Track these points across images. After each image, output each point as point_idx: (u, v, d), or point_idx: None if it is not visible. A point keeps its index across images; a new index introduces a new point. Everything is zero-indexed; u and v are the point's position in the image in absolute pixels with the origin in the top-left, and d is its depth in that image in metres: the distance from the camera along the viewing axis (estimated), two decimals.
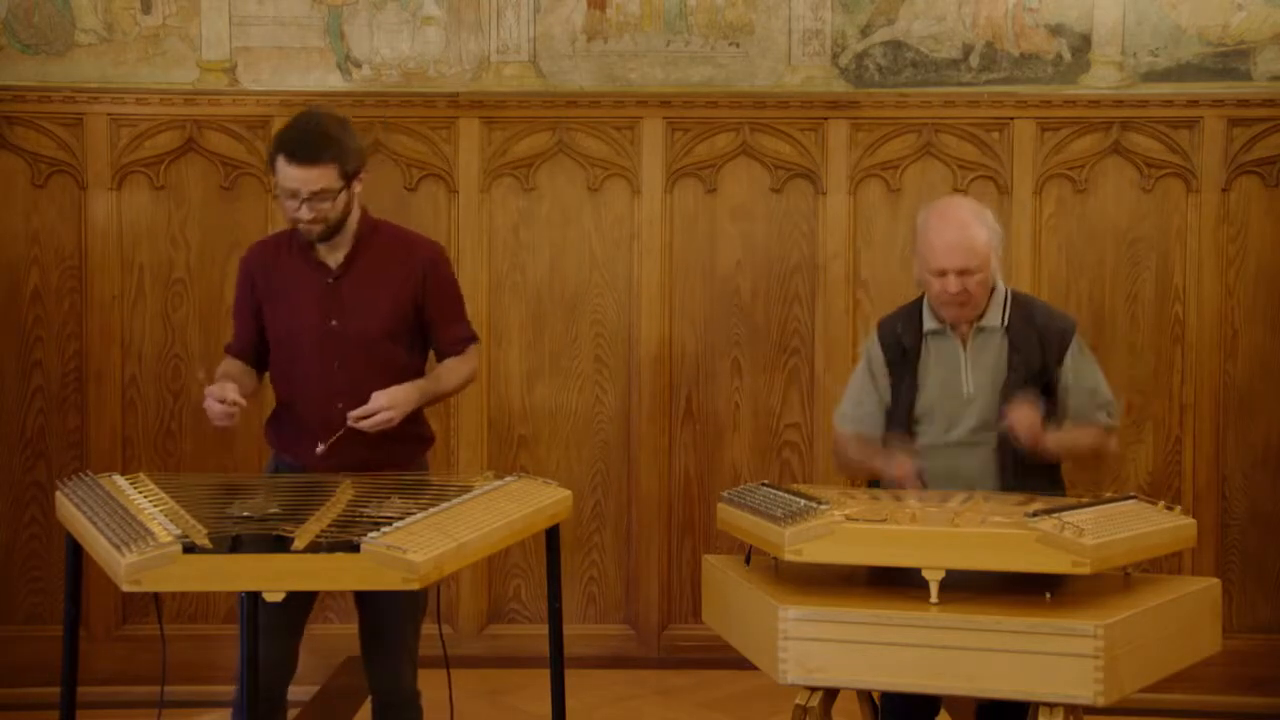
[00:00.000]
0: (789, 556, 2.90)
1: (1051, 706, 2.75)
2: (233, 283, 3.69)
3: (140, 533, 2.62)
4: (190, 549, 2.53)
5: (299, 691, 3.62)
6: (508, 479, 3.26)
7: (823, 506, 2.99)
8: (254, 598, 2.58)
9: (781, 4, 5.07)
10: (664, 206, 5.13)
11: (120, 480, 3.09)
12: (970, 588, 2.92)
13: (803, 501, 3.06)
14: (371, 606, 3.42)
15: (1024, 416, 3.31)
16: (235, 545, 2.64)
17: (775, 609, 2.86)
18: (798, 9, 5.07)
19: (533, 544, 4.86)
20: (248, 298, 3.51)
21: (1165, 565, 4.46)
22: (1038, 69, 5.06)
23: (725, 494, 3.37)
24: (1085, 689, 2.70)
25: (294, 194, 3.27)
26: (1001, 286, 3.50)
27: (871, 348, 3.58)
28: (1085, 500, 3.23)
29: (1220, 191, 5.06)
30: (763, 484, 3.39)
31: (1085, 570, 2.79)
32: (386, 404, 3.29)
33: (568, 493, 3.27)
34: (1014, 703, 2.84)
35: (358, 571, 2.55)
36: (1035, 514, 2.91)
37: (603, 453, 5.18)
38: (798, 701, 2.95)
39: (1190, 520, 3.21)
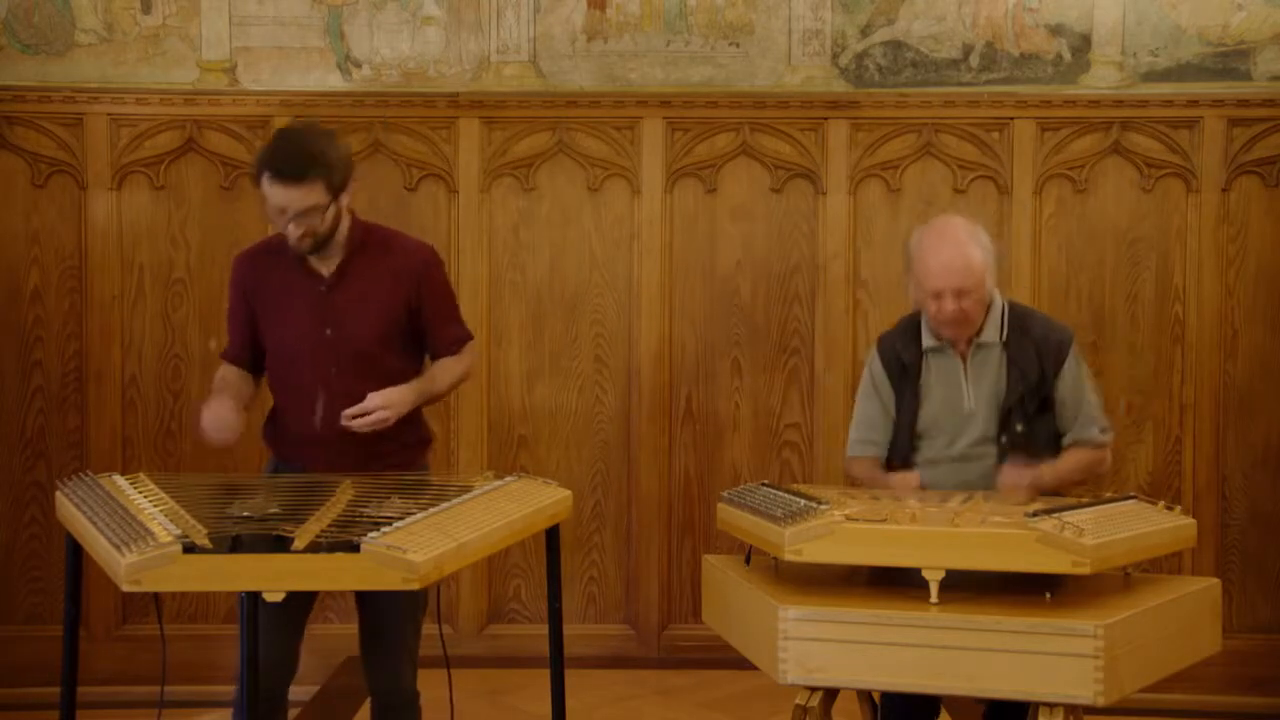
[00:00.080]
0: (789, 556, 2.90)
1: (1051, 706, 2.75)
2: None
3: (140, 533, 2.62)
4: (190, 549, 2.53)
5: (299, 691, 3.61)
6: (508, 479, 3.26)
7: (823, 506, 2.99)
8: (254, 598, 2.58)
9: (781, 4, 5.07)
10: (664, 206, 5.13)
11: (120, 480, 3.09)
12: (970, 588, 2.92)
13: (803, 501, 3.06)
14: (371, 606, 3.42)
15: (1016, 480, 3.33)
16: (235, 545, 2.64)
17: (775, 609, 2.86)
18: (798, 9, 5.07)
19: (533, 544, 4.86)
20: (241, 307, 3.50)
21: (1165, 565, 4.45)
22: (1038, 69, 5.06)
23: (725, 494, 3.37)
24: (1085, 689, 2.70)
25: (281, 211, 3.25)
26: (999, 300, 3.50)
27: (873, 364, 3.59)
28: (1085, 500, 3.24)
29: (1220, 191, 5.06)
30: (763, 484, 3.39)
31: (1085, 570, 2.79)
32: (381, 404, 3.28)
33: (568, 493, 3.27)
34: (1021, 703, 2.84)
35: (358, 571, 2.55)
36: (1035, 514, 2.92)
37: (603, 453, 5.18)
38: (798, 701, 2.96)
39: (1190, 520, 3.21)
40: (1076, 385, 3.48)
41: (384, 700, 3.48)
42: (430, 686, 3.50)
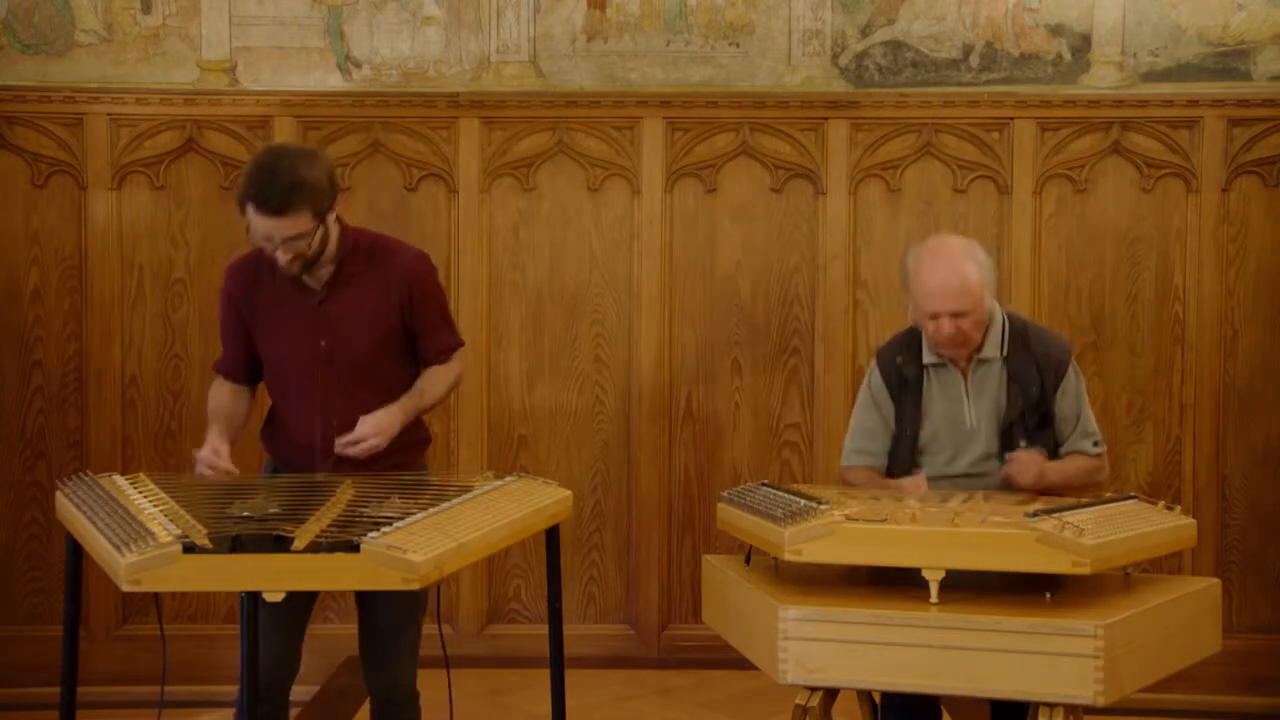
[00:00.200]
0: (789, 556, 2.90)
1: (1051, 706, 2.75)
2: None
3: (140, 533, 2.62)
4: (190, 549, 2.53)
5: (299, 691, 3.61)
6: (508, 479, 3.25)
7: (823, 506, 2.99)
8: (254, 598, 2.58)
9: (781, 4, 5.07)
10: (664, 206, 5.13)
11: (120, 480, 3.09)
12: (970, 588, 2.92)
13: (803, 501, 3.06)
14: (371, 606, 3.42)
15: (1027, 467, 3.34)
16: (235, 545, 2.64)
17: (775, 609, 2.86)
18: (798, 9, 5.07)
19: (533, 544, 4.87)
20: (233, 317, 3.47)
21: (1165, 565, 4.46)
22: (1038, 69, 5.06)
23: (725, 494, 3.37)
24: (1085, 689, 2.70)
25: (268, 239, 3.24)
26: (999, 315, 3.49)
27: (872, 376, 3.57)
28: (1085, 500, 3.24)
29: (1220, 191, 5.06)
30: (763, 484, 3.39)
31: (1085, 570, 2.79)
32: (373, 431, 3.27)
33: (568, 493, 3.27)
34: (1022, 703, 2.84)
35: (358, 571, 2.55)
36: (1035, 514, 2.91)
37: (603, 453, 5.18)
38: (798, 701, 2.95)
39: (1190, 520, 3.21)
40: (1076, 400, 3.48)
41: (384, 700, 3.48)
42: (430, 686, 3.50)
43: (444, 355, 3.50)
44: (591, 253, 5.15)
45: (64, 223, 5.08)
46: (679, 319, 5.15)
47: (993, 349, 3.45)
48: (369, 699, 3.56)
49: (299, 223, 3.20)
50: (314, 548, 2.58)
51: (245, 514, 2.82)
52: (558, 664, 3.29)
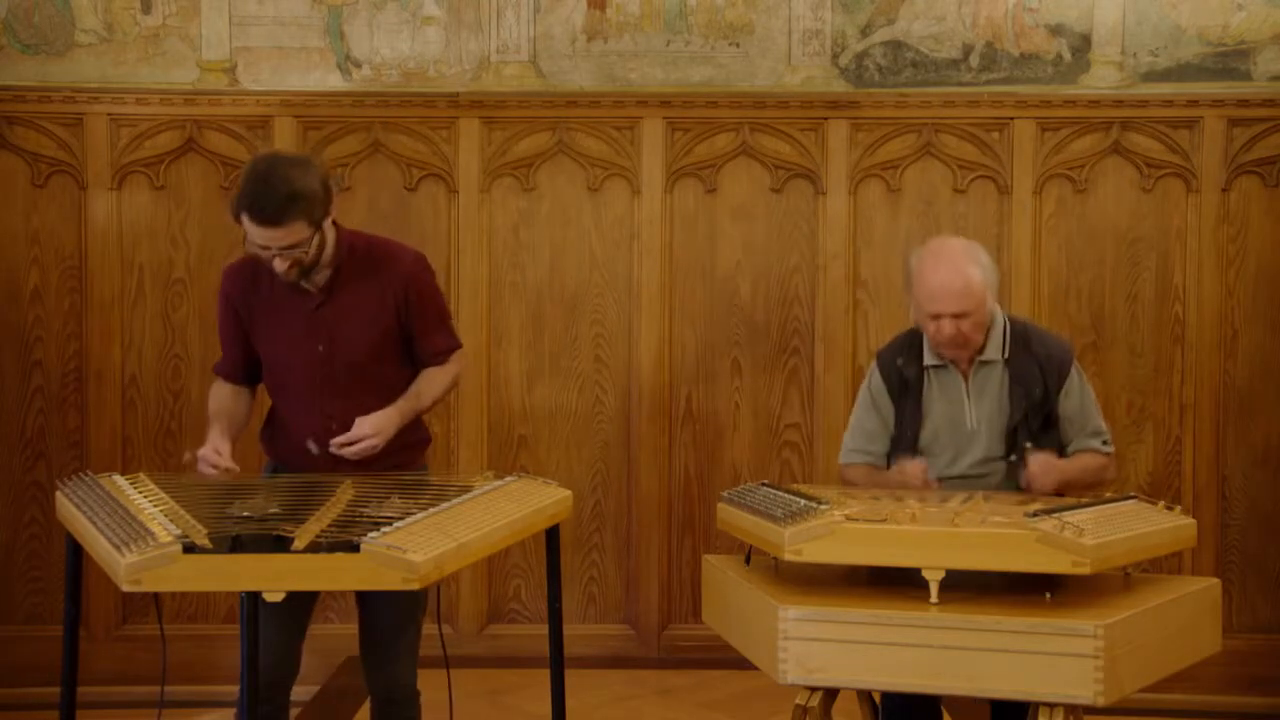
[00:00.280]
0: (789, 556, 2.90)
1: (1051, 706, 2.75)
2: None
3: (140, 533, 2.62)
4: (190, 549, 2.53)
5: (299, 691, 3.61)
6: (508, 479, 3.25)
7: (823, 506, 2.99)
8: (254, 598, 2.58)
9: (781, 4, 5.07)
10: (664, 206, 5.13)
11: (120, 480, 3.09)
12: (970, 588, 2.92)
13: (803, 501, 3.06)
14: (372, 606, 3.42)
15: (1048, 470, 3.34)
16: (235, 545, 2.64)
17: (775, 609, 2.85)
18: (798, 9, 5.07)
19: (533, 544, 4.87)
20: (231, 320, 3.48)
21: (1165, 565, 4.46)
22: (1038, 69, 5.06)
23: (725, 494, 3.36)
24: (1085, 689, 2.70)
25: (265, 248, 3.24)
26: (1000, 317, 3.49)
27: (872, 377, 3.58)
28: (1085, 500, 3.23)
29: (1220, 191, 5.06)
30: (763, 484, 3.39)
31: (1085, 570, 2.78)
32: (370, 432, 3.27)
33: (568, 493, 3.27)
34: (1022, 703, 2.84)
35: (358, 571, 2.55)
36: (1035, 514, 2.91)
37: (603, 453, 5.18)
38: (798, 701, 2.95)
39: (1190, 520, 3.21)
40: (1082, 400, 3.49)
41: (384, 700, 3.48)
42: (430, 686, 3.50)
43: (441, 357, 3.50)
44: (591, 253, 5.15)
45: (64, 223, 5.08)
46: (679, 319, 5.15)
47: (994, 351, 3.45)
48: (369, 699, 3.56)
49: (295, 232, 3.20)
50: (314, 548, 2.58)
51: (245, 514, 2.82)
52: (558, 664, 3.29)
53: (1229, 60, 5.03)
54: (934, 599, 2.83)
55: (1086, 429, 3.49)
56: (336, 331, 3.36)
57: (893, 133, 5.09)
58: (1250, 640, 5.05)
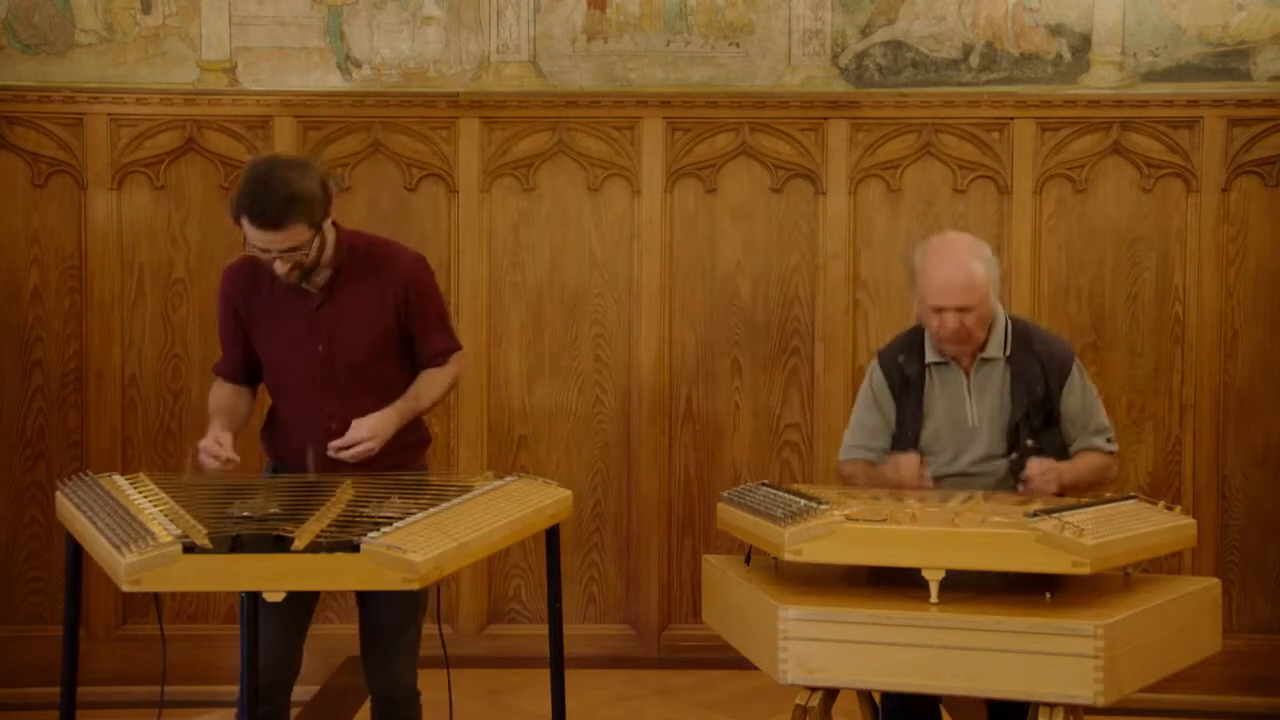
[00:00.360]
0: (789, 556, 2.90)
1: (1051, 706, 2.75)
2: None
3: (140, 533, 2.62)
4: (190, 549, 2.53)
5: (299, 691, 3.61)
6: (508, 479, 3.25)
7: (823, 506, 2.99)
8: (254, 598, 2.58)
9: (781, 4, 5.07)
10: (664, 206, 5.13)
11: (120, 480, 3.09)
12: (970, 588, 2.92)
13: (803, 501, 3.06)
14: (372, 606, 3.42)
15: (1048, 477, 3.34)
16: (235, 545, 2.64)
17: (775, 609, 2.85)
18: (798, 9, 5.07)
19: (533, 544, 4.87)
20: (231, 320, 3.48)
21: (1165, 565, 4.46)
22: (1038, 69, 5.06)
23: (725, 494, 3.37)
24: (1085, 689, 2.70)
25: (265, 251, 3.24)
26: (1002, 316, 3.50)
27: (873, 375, 3.58)
28: (1085, 500, 3.24)
29: (1220, 191, 5.06)
30: (763, 484, 3.39)
31: (1085, 570, 2.78)
32: (367, 434, 3.27)
33: (568, 493, 3.27)
34: (1021, 703, 2.84)
35: (358, 571, 2.55)
36: (1035, 514, 2.91)
37: (603, 453, 5.18)
38: (798, 701, 2.95)
39: (1190, 520, 3.21)
40: (1084, 398, 3.49)
41: (385, 700, 3.48)
42: (430, 686, 3.50)
43: (440, 358, 3.50)
44: (591, 253, 5.15)
45: (64, 223, 5.08)
46: (679, 319, 5.15)
47: (996, 348, 3.46)
48: (370, 698, 3.56)
49: (295, 235, 3.20)
50: (314, 548, 2.58)
51: (245, 514, 2.82)
52: (558, 664, 3.29)
53: (1229, 60, 5.03)
54: (934, 599, 2.83)
55: (1090, 427, 3.49)
56: (336, 331, 3.37)
57: (893, 133, 5.09)
58: (1250, 640, 5.05)
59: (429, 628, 3.46)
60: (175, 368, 5.12)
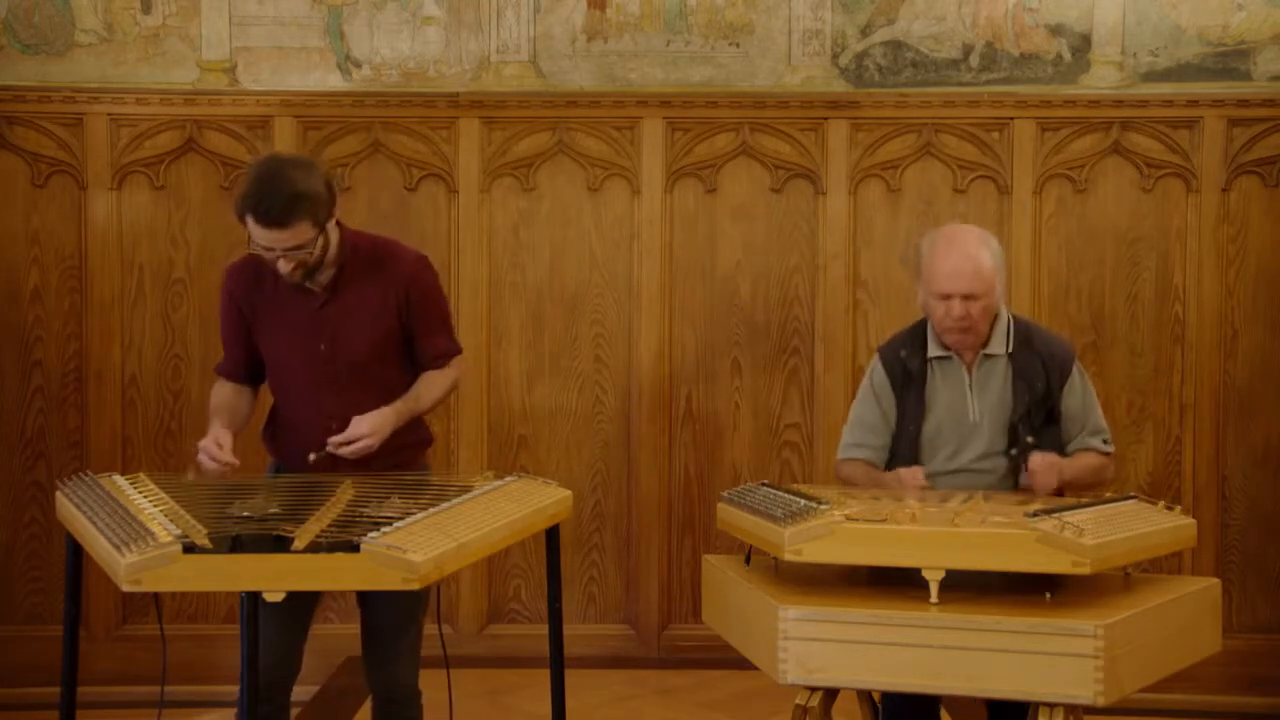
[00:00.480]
0: (789, 556, 2.90)
1: (1051, 706, 2.75)
2: None
3: (140, 533, 2.62)
4: (190, 549, 2.53)
5: (299, 691, 3.61)
6: (508, 479, 3.25)
7: (823, 506, 2.99)
8: (254, 598, 2.58)
9: (781, 4, 5.07)
10: (664, 206, 5.13)
11: (120, 480, 3.09)
12: (970, 588, 2.92)
13: (803, 501, 3.06)
14: (372, 606, 3.42)
15: (1049, 472, 3.35)
16: (235, 545, 2.64)
17: (775, 609, 2.85)
18: (798, 9, 5.07)
19: (533, 544, 4.87)
20: (234, 321, 3.48)
21: (1165, 565, 4.46)
22: (1038, 69, 5.06)
23: (725, 494, 3.36)
24: (1085, 689, 2.70)
25: (269, 249, 3.25)
26: (1005, 313, 3.52)
27: (874, 371, 3.58)
28: (1085, 500, 3.24)
29: (1220, 191, 5.06)
30: (763, 484, 3.39)
31: (1085, 570, 2.78)
32: (366, 431, 3.27)
33: (568, 493, 3.27)
34: (1021, 703, 2.84)
35: (358, 571, 2.55)
36: (1035, 514, 2.91)
37: (603, 453, 5.18)
38: (798, 701, 2.95)
39: (1190, 520, 3.21)
40: (1084, 398, 3.50)
41: (385, 699, 3.49)
42: (430, 686, 3.50)
43: (441, 360, 3.50)
44: (591, 253, 5.15)
45: (64, 223, 5.09)
46: (679, 319, 5.15)
47: (998, 345, 3.47)
48: (370, 698, 3.56)
49: (300, 233, 3.21)
50: (314, 548, 2.58)
51: (245, 514, 2.82)
52: (558, 664, 3.29)
53: (1229, 60, 5.03)
54: (934, 599, 2.83)
55: (1087, 427, 3.50)
56: (339, 331, 3.37)
57: (893, 133, 5.10)
58: (1250, 640, 5.05)
59: (429, 628, 3.46)
60: (175, 368, 5.12)
